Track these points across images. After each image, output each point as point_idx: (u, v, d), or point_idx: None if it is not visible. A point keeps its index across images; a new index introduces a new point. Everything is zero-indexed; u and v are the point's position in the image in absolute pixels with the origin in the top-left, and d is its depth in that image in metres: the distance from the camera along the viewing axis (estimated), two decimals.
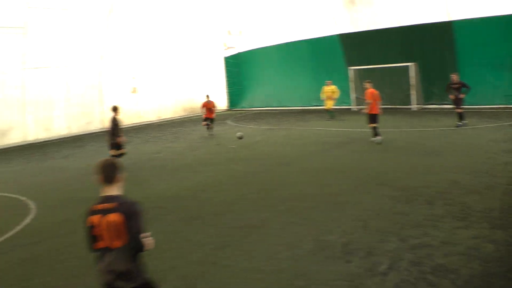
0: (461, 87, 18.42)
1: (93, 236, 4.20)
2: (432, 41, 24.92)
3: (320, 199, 10.09)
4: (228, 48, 35.91)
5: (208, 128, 22.33)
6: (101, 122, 28.67)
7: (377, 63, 26.44)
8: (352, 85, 27.96)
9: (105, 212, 4.16)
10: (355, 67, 27.74)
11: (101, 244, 4.19)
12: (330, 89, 24.58)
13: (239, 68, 35.63)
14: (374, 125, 16.34)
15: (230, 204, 10.33)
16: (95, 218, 4.18)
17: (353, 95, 28.10)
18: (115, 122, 15.21)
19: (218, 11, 33.67)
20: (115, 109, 15.36)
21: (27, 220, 10.46)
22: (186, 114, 32.26)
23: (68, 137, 26.25)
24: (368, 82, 16.96)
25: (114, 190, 4.30)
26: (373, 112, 16.36)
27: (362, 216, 8.69)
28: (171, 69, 32.54)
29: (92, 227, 4.19)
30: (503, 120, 19.27)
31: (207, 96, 23.12)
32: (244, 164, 14.68)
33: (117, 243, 4.14)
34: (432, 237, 7.37)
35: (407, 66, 25.57)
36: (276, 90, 33.33)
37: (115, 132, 15.16)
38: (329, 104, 24.54)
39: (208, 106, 22.47)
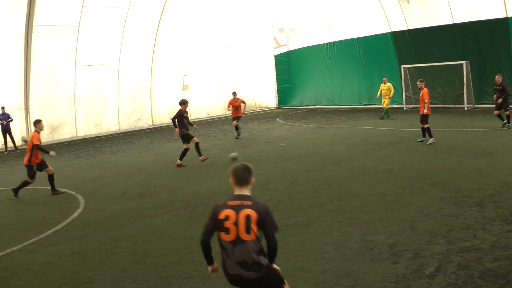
0: (503, 89, 17.99)
1: (222, 228, 4.39)
2: (486, 38, 24.27)
3: (369, 198, 10.07)
4: (279, 46, 35.97)
5: (237, 129, 21.36)
6: (151, 119, 29.29)
7: (430, 61, 26.02)
8: (403, 84, 27.59)
9: (239, 207, 4.38)
10: (407, 66, 27.35)
11: (228, 237, 4.39)
12: (386, 87, 23.98)
13: (289, 66, 35.65)
14: (427, 125, 16.06)
15: (277, 202, 10.41)
16: (228, 212, 4.39)
17: (405, 94, 27.73)
18: (181, 115, 15.53)
19: (269, 9, 33.81)
20: (183, 102, 15.71)
21: (76, 213, 10.83)
22: None
23: (118, 133, 26.92)
24: (422, 81, 16.66)
25: (245, 192, 4.52)
26: (428, 113, 16.08)
27: (410, 217, 8.63)
28: (221, 66, 32.91)
29: (223, 220, 4.38)
30: None
31: (234, 93, 21.86)
32: (292, 163, 14.75)
33: (248, 237, 4.34)
34: (481, 240, 7.25)
35: (460, 64, 25.02)
36: (326, 89, 33.22)
37: (183, 125, 15.48)
38: (386, 102, 23.99)
39: (234, 104, 21.27)
